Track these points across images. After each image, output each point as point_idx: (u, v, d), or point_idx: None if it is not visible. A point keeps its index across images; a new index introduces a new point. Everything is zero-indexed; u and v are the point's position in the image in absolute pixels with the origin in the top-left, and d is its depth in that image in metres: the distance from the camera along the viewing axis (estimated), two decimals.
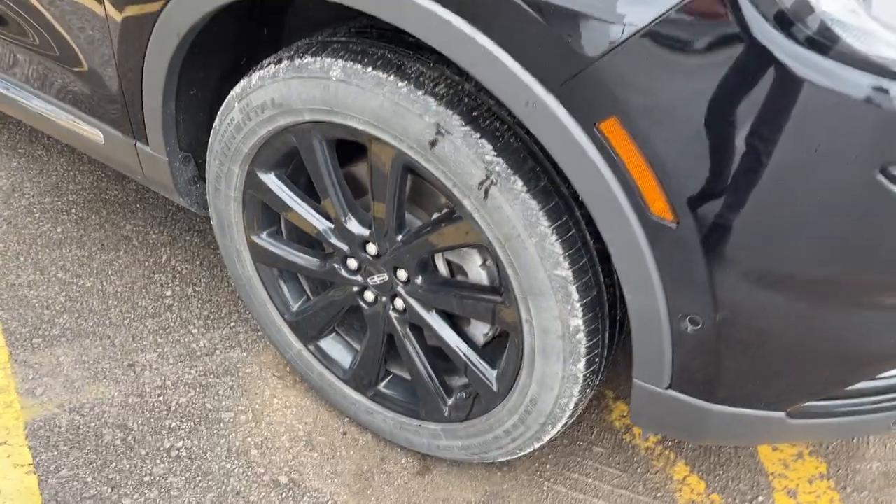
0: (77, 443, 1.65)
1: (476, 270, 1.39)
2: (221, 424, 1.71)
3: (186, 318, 1.96)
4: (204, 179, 1.68)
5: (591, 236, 1.20)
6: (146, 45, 1.43)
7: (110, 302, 1.99)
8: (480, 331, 1.46)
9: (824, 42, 0.90)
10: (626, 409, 1.76)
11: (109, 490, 1.58)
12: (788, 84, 0.93)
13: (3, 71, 1.87)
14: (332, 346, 1.67)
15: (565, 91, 1.01)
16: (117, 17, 1.43)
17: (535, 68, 1.01)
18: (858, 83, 0.91)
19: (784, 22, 0.90)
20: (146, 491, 1.58)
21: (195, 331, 1.93)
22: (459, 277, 1.43)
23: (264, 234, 1.59)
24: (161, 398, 1.76)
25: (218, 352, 1.87)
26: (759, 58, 0.93)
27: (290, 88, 1.30)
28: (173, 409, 1.74)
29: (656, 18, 0.94)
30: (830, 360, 1.14)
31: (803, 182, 0.99)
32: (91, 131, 1.73)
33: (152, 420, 1.71)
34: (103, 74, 1.57)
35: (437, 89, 1.18)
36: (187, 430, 1.70)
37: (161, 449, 1.66)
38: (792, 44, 0.91)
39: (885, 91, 0.91)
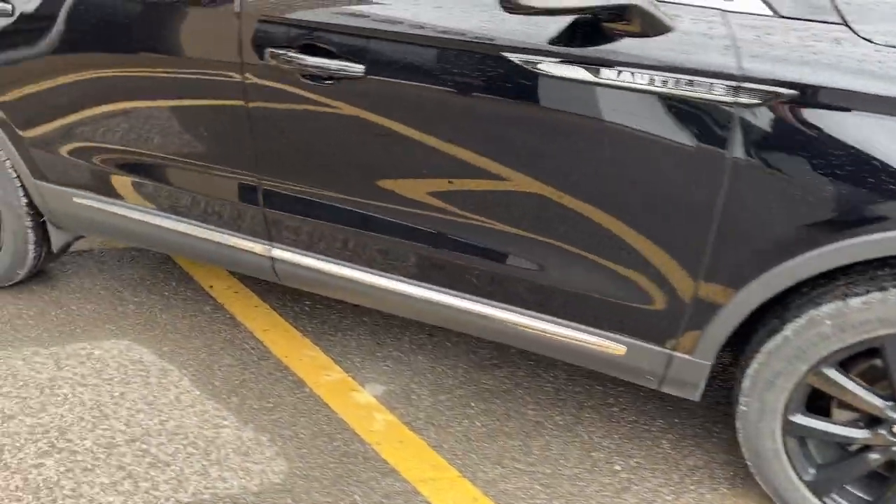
0: None
1: None
2: None
3: (651, 487, 2.29)
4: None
5: None
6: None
7: (580, 484, 2.30)
8: None
9: None
10: None
11: None
12: None
13: (504, 303, 2.23)
14: (843, 497, 2.05)
15: None
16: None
17: None
18: None
19: None
20: None
21: (668, 497, 2.26)
22: None
23: (799, 414, 1.98)
24: None
25: None
26: None
27: None
28: None
29: None
30: None
31: None
32: (613, 346, 2.09)
33: None
34: (671, 309, 1.96)
35: None
36: None
37: None
38: None
39: None
